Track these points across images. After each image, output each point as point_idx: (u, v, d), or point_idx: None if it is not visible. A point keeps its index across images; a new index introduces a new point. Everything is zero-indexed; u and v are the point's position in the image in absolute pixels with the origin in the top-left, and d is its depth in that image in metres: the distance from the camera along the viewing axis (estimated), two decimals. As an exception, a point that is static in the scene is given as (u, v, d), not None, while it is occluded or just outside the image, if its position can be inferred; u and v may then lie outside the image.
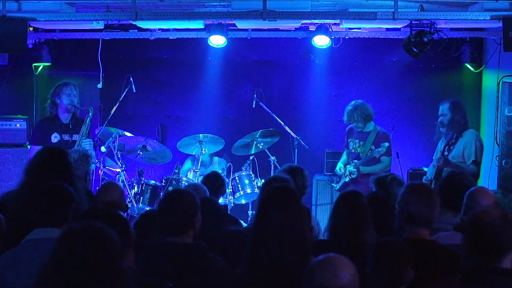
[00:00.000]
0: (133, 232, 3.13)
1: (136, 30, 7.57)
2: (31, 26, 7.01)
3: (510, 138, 6.71)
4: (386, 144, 6.60)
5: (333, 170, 7.22)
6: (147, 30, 7.55)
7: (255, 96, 7.44)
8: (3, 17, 5.95)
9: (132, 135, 7.07)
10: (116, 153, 6.47)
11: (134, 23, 6.80)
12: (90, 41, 7.74)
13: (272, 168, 7.15)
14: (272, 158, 7.18)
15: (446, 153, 6.09)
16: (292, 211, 2.90)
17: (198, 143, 7.16)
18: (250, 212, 7.07)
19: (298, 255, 2.82)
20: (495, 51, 7.31)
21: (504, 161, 6.70)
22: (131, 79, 6.93)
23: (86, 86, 7.91)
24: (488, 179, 6.96)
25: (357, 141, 6.89)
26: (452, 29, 7.25)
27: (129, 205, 6.09)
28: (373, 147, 6.75)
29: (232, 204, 6.90)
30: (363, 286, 2.36)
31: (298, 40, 7.80)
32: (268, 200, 2.99)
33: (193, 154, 7.43)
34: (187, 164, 7.68)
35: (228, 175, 7.04)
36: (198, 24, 7.11)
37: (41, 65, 7.79)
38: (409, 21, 6.42)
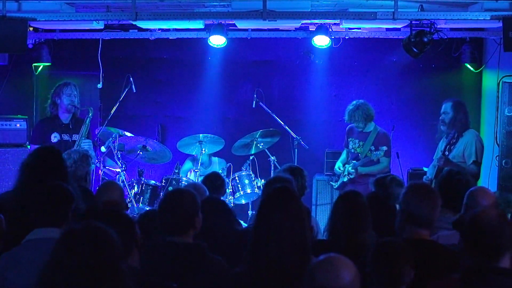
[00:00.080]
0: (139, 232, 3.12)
1: (136, 30, 7.57)
2: (31, 26, 7.01)
3: (510, 138, 6.71)
4: (385, 148, 6.60)
5: (333, 170, 7.23)
6: (147, 30, 7.55)
7: (255, 96, 7.44)
8: (3, 17, 5.95)
9: (132, 135, 7.08)
10: (116, 153, 6.47)
11: (134, 23, 6.80)
12: (90, 41, 7.74)
13: (272, 168, 7.15)
14: (272, 158, 7.18)
15: (446, 152, 6.09)
16: (292, 212, 2.90)
17: (198, 143, 7.17)
18: (250, 212, 7.07)
19: (298, 255, 2.82)
20: (495, 51, 7.31)
21: (504, 161, 6.70)
22: (131, 79, 6.93)
23: (86, 86, 7.92)
24: (488, 179, 6.96)
25: (357, 141, 6.88)
26: (452, 29, 7.25)
27: (129, 205, 6.09)
28: (372, 148, 6.75)
29: (232, 204, 6.89)
30: (363, 286, 2.36)
31: (298, 40, 7.80)
32: (268, 201, 2.99)
33: (193, 154, 7.43)
34: (187, 164, 7.68)
35: (228, 175, 7.04)
36: (198, 24, 7.11)
37: (41, 65, 7.80)
38: (409, 21, 6.43)
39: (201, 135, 7.17)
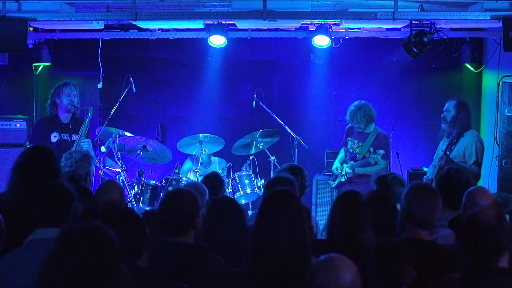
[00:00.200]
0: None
1: (136, 30, 7.58)
2: (31, 26, 7.01)
3: (510, 138, 6.71)
4: (382, 152, 6.59)
5: (333, 170, 7.24)
6: (147, 30, 7.55)
7: (255, 96, 7.44)
8: (3, 17, 5.95)
9: (132, 135, 7.08)
10: (116, 153, 6.47)
11: (134, 23, 6.80)
12: (90, 41, 7.74)
13: (272, 168, 7.15)
14: (272, 158, 7.18)
15: (448, 152, 6.09)
16: (292, 212, 2.90)
17: (198, 143, 7.17)
18: (250, 212, 7.07)
19: (298, 255, 2.82)
20: (495, 51, 7.32)
21: (504, 161, 6.70)
22: (131, 79, 6.93)
23: (86, 86, 7.92)
24: (488, 179, 6.95)
25: (356, 141, 6.87)
26: (452, 29, 7.25)
27: (129, 205, 6.09)
28: (371, 149, 6.74)
29: (232, 204, 6.89)
30: (363, 287, 2.36)
31: (298, 40, 7.80)
32: (269, 202, 2.99)
33: (193, 154, 7.43)
34: (187, 164, 7.68)
35: (228, 175, 7.04)
36: (198, 24, 7.11)
37: (41, 65, 7.80)
38: (409, 21, 6.43)
39: (201, 135, 7.18)
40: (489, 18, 6.02)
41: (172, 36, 7.71)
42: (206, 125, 8.08)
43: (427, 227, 3.38)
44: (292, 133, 7.28)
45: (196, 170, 7.14)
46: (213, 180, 5.22)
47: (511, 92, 6.72)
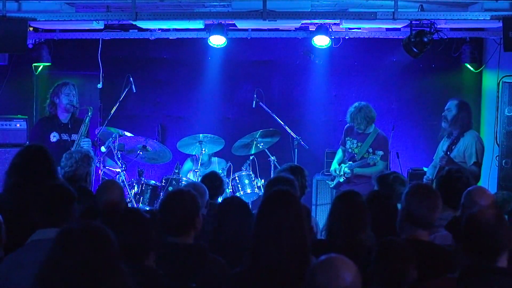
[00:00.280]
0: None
1: (136, 30, 7.57)
2: (31, 26, 7.01)
3: (510, 138, 6.71)
4: (381, 153, 6.59)
5: (333, 170, 7.24)
6: (147, 30, 7.55)
7: (255, 96, 7.44)
8: (3, 17, 5.95)
9: (132, 135, 7.07)
10: (116, 153, 6.47)
11: (134, 23, 6.80)
12: (90, 41, 7.74)
13: (272, 168, 7.15)
14: (272, 158, 7.19)
15: (448, 152, 6.09)
16: (292, 212, 2.90)
17: (198, 143, 7.17)
18: (250, 212, 7.06)
19: (298, 255, 2.82)
20: (495, 51, 7.32)
21: (504, 161, 6.71)
22: (131, 79, 6.93)
23: (86, 86, 7.92)
24: (488, 179, 6.95)
25: (355, 141, 6.86)
26: (452, 29, 7.25)
27: (129, 205, 6.09)
28: (370, 150, 6.74)
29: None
30: (363, 287, 2.36)
31: (298, 40, 7.81)
32: (268, 202, 2.99)
33: (193, 154, 7.43)
34: (187, 164, 7.68)
35: (228, 175, 7.04)
36: (198, 24, 7.11)
37: (41, 65, 7.80)
38: (409, 21, 6.42)
39: (201, 135, 7.18)
40: (489, 18, 6.02)
41: (172, 36, 7.71)
42: (206, 125, 8.08)
43: (426, 227, 3.39)
44: (292, 133, 7.28)
45: (196, 170, 7.14)
46: (212, 180, 5.23)
47: (511, 92, 6.72)
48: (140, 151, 6.83)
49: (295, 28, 7.57)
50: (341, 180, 6.86)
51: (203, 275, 3.11)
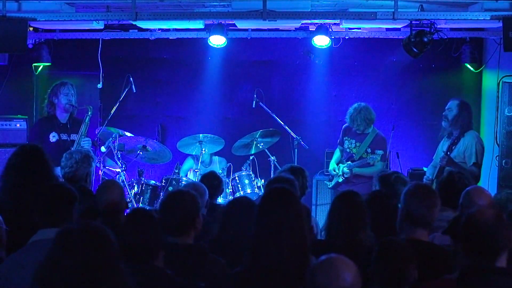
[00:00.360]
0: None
1: (136, 30, 7.57)
2: (31, 26, 7.00)
3: (510, 138, 6.71)
4: (381, 152, 6.59)
5: (332, 170, 7.23)
6: (147, 30, 7.55)
7: (255, 96, 7.44)
8: (3, 17, 5.95)
9: (132, 135, 7.07)
10: (116, 153, 6.47)
11: (134, 23, 6.80)
12: (90, 41, 7.73)
13: (272, 168, 7.15)
14: (272, 158, 7.18)
15: (449, 152, 6.09)
16: (292, 212, 2.90)
17: (198, 143, 7.17)
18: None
19: (298, 255, 2.82)
20: (495, 51, 7.32)
21: (504, 161, 6.71)
22: (131, 79, 6.93)
23: (86, 86, 7.92)
24: (488, 179, 6.96)
25: (353, 141, 6.86)
26: (452, 29, 7.25)
27: (129, 205, 6.09)
28: (369, 150, 6.73)
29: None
30: (363, 287, 2.36)
31: (298, 40, 7.80)
32: (267, 202, 2.99)
33: (193, 154, 7.43)
34: (187, 164, 7.68)
35: (228, 175, 7.04)
36: (198, 24, 7.11)
37: (41, 65, 7.80)
38: (409, 21, 6.42)
39: (201, 135, 7.18)
40: (489, 18, 6.02)
41: (172, 36, 7.71)
42: (206, 125, 8.08)
43: (425, 227, 3.39)
44: (292, 133, 7.28)
45: (196, 170, 7.14)
46: (211, 180, 5.23)
47: (511, 92, 6.72)
48: (140, 151, 6.83)
49: (295, 28, 7.57)
50: (340, 180, 6.85)
51: (203, 275, 3.11)
